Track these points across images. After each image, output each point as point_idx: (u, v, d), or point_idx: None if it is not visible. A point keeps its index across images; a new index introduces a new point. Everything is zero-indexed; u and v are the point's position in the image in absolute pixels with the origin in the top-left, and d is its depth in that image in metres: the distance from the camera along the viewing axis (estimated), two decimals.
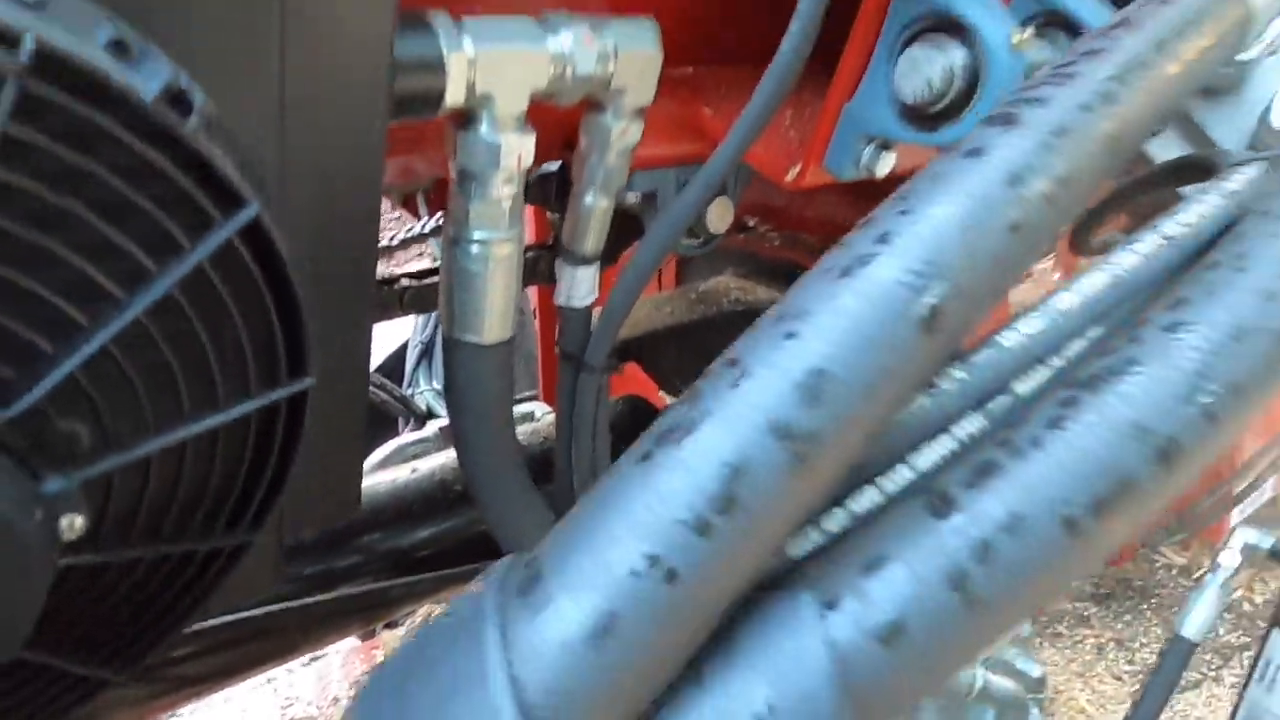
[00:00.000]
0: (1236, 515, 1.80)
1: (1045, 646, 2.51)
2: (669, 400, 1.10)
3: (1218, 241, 0.34)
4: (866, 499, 0.30)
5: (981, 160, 0.30)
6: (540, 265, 0.88)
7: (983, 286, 0.28)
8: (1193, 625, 0.89)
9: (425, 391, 1.88)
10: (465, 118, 0.55)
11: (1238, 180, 0.41)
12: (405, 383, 1.90)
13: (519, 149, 0.56)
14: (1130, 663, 2.41)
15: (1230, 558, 0.89)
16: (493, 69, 0.53)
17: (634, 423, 1.08)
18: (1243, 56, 0.59)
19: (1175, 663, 0.89)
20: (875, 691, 0.25)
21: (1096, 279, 0.35)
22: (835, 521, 0.30)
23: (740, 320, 1.16)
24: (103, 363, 0.37)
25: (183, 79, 0.35)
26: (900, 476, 0.31)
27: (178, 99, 0.34)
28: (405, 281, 0.91)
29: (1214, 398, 0.28)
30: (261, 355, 0.43)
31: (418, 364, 1.94)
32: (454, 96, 0.53)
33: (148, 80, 0.33)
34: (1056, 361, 0.33)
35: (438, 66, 0.51)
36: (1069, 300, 0.34)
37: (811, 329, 0.27)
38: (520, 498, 0.70)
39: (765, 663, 0.25)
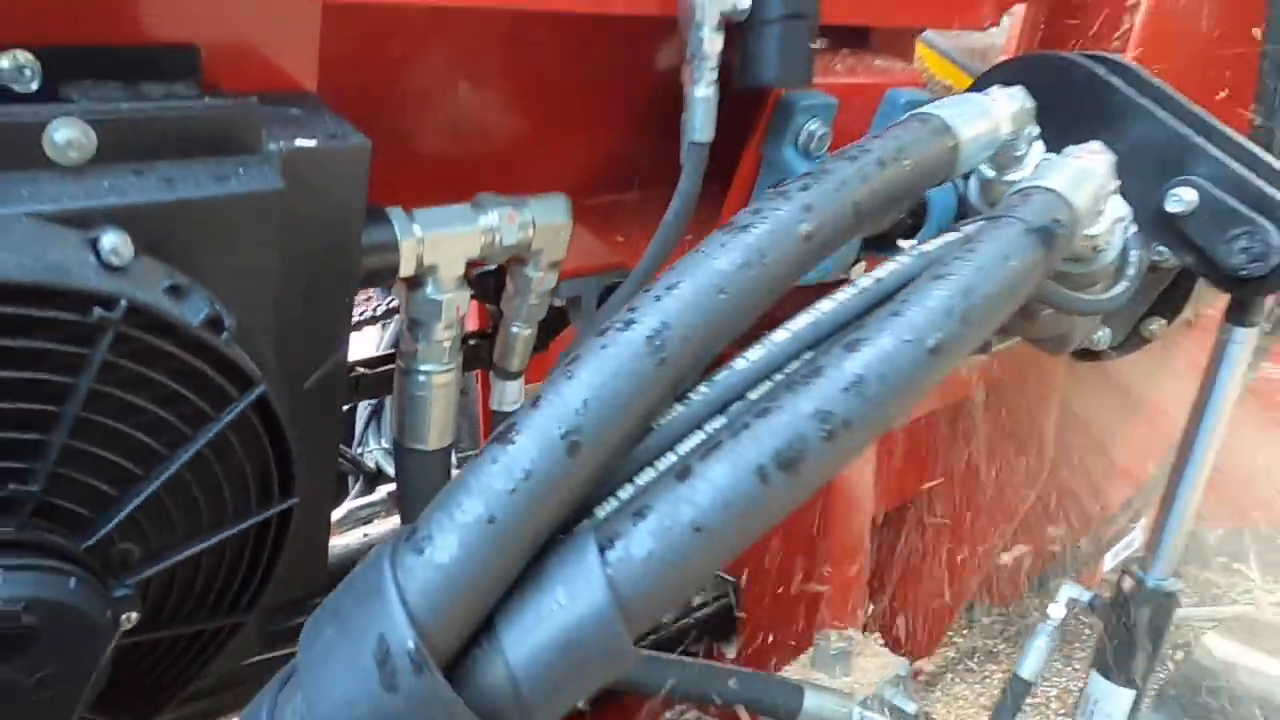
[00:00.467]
0: (1110, 559, 2.00)
1: (956, 682, 2.68)
2: None
3: (897, 293, 0.52)
4: (644, 476, 0.47)
5: (703, 255, 0.48)
6: (481, 352, 1.04)
7: (701, 340, 0.45)
8: (1028, 668, 1.06)
9: (374, 451, 2.00)
10: (415, 282, 0.71)
11: (934, 244, 0.59)
12: (355, 443, 2.02)
13: (457, 302, 0.72)
14: (1033, 697, 2.60)
15: (1057, 610, 1.07)
16: (436, 247, 0.69)
17: None
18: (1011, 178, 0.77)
19: (1014, 700, 1.06)
20: (638, 600, 0.41)
21: (802, 320, 0.53)
22: (625, 492, 0.46)
23: None
24: (151, 502, 0.51)
25: (216, 306, 0.50)
26: (667, 460, 0.47)
27: (214, 322, 0.50)
28: (360, 370, 1.06)
29: (868, 395, 0.45)
30: (260, 483, 0.58)
31: (367, 424, 2.06)
32: (406, 269, 0.68)
33: (194, 314, 0.49)
34: (777, 376, 0.50)
35: (394, 248, 0.67)
36: (782, 336, 0.52)
37: (584, 369, 0.43)
38: None
39: (563, 580, 0.41)
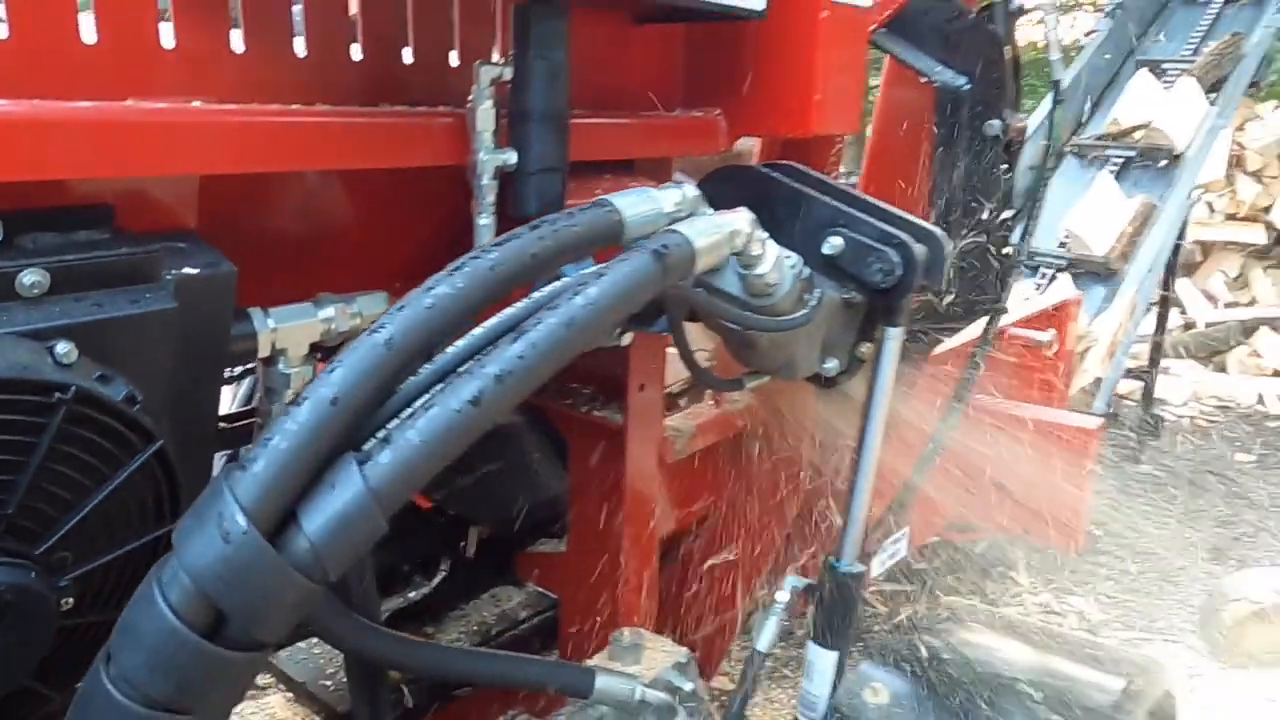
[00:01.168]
0: (877, 565, 2.37)
1: (773, 687, 3.03)
2: None
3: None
4: (393, 424, 0.73)
5: (422, 287, 0.75)
6: None
7: (418, 340, 0.73)
8: (763, 642, 1.37)
9: None
10: (270, 360, 0.96)
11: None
12: None
13: (303, 375, 0.98)
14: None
15: (782, 595, 1.39)
16: (285, 335, 0.95)
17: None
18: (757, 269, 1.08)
19: (755, 668, 1.37)
20: (384, 489, 0.67)
21: (479, 329, 0.80)
22: (382, 432, 0.73)
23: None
24: (82, 522, 0.75)
25: (131, 388, 0.75)
26: (406, 412, 0.73)
27: (130, 398, 0.74)
28: (222, 424, 1.29)
29: (528, 361, 0.74)
30: (157, 509, 0.82)
31: None
32: (263, 352, 0.94)
33: (117, 393, 0.73)
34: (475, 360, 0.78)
35: (254, 338, 0.92)
36: (479, 330, 0.80)
37: (343, 357, 0.70)
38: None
39: (337, 481, 0.67)
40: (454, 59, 1.08)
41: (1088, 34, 5.66)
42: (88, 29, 0.80)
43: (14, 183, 0.74)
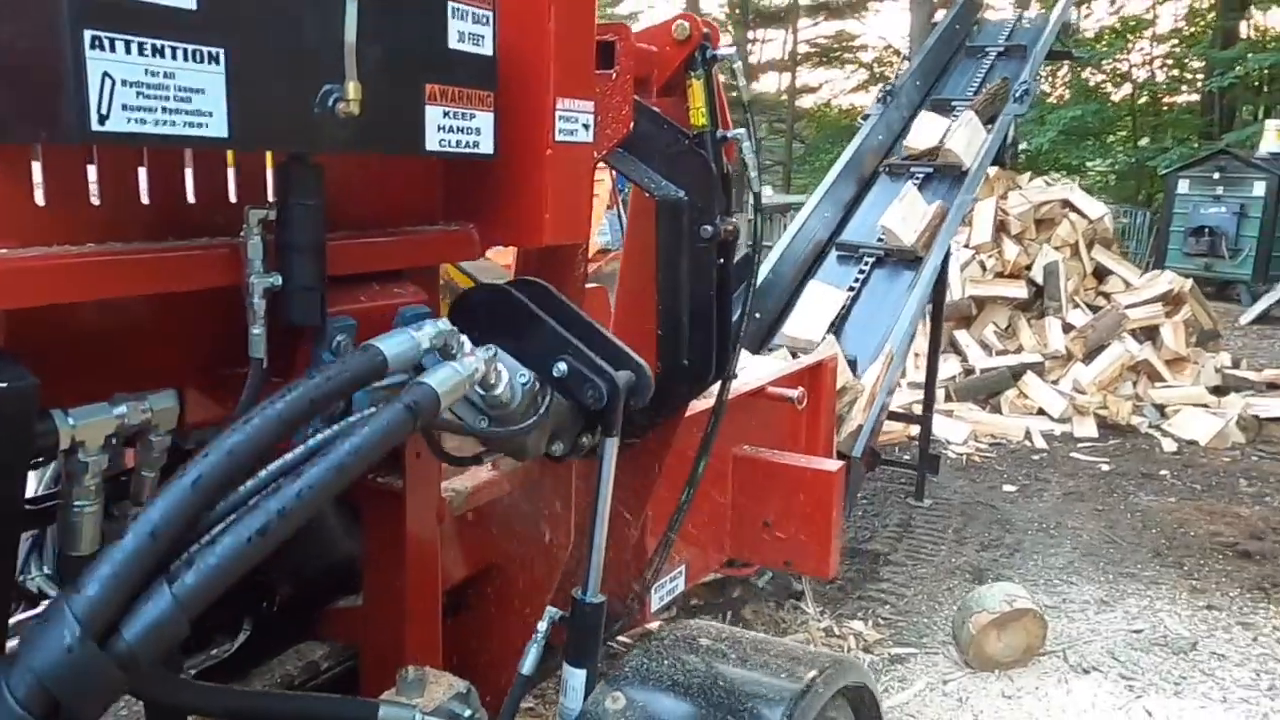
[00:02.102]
0: (656, 600, 2.67)
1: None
2: None
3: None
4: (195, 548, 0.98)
5: (225, 434, 1.00)
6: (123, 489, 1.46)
7: (221, 475, 0.98)
8: (527, 666, 1.63)
9: (36, 577, 2.27)
10: (70, 452, 1.16)
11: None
12: (19, 569, 2.27)
13: (101, 463, 1.18)
14: None
15: (542, 624, 1.65)
16: (84, 431, 1.15)
17: None
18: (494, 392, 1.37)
19: (519, 689, 1.62)
20: (190, 599, 0.94)
21: (265, 470, 1.06)
22: (187, 554, 0.96)
23: None
24: None
25: None
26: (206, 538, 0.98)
27: None
28: (29, 505, 1.45)
29: (304, 497, 0.99)
30: None
31: (29, 552, 2.32)
32: (63, 445, 1.14)
33: None
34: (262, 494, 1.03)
35: (55, 434, 1.12)
36: (265, 470, 1.05)
37: (159, 497, 0.94)
38: None
39: (151, 598, 0.91)
40: (231, 196, 1.33)
41: (863, 116, 6.34)
42: None
43: None
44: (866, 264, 5.05)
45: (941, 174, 5.48)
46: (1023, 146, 21.15)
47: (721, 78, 2.03)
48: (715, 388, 2.14)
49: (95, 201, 1.17)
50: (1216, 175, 14.27)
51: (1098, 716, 3.15)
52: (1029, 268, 8.02)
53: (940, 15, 21.27)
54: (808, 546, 2.77)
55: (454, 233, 1.63)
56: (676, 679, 1.69)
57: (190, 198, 1.28)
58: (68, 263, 1.10)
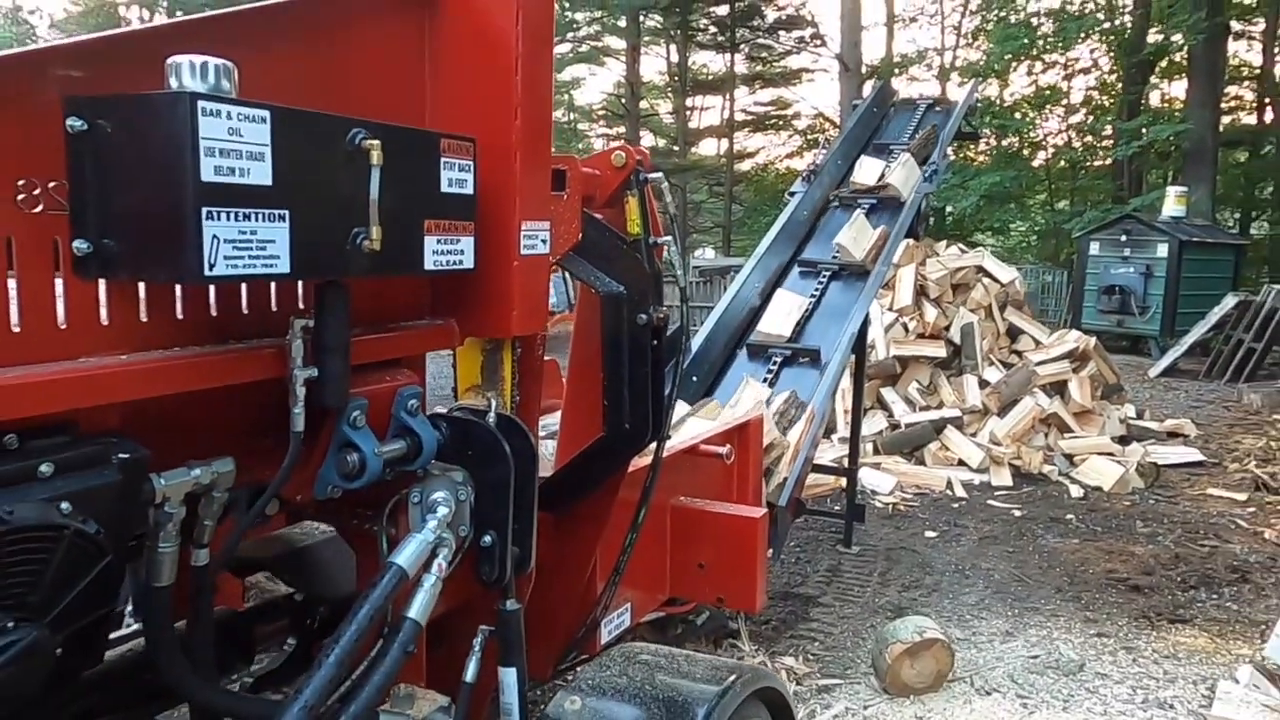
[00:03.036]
0: (605, 634, 3.04)
1: None
2: None
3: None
4: None
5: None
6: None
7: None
8: (469, 673, 2.01)
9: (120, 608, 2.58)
10: (159, 505, 1.53)
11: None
12: None
13: (180, 515, 1.55)
14: None
15: (478, 639, 2.03)
16: (170, 489, 1.52)
17: None
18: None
19: (463, 693, 2.00)
20: None
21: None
22: None
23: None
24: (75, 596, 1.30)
25: (99, 526, 1.32)
26: None
27: (97, 531, 1.31)
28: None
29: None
30: (107, 588, 1.37)
31: None
32: (156, 499, 1.51)
33: (90, 528, 1.30)
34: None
35: (153, 491, 1.50)
36: None
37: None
38: None
39: None
40: (273, 306, 1.73)
41: (790, 192, 6.91)
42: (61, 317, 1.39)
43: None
44: (824, 277, 6.00)
45: (883, 205, 6.46)
46: (948, 210, 22.35)
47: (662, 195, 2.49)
48: (653, 447, 2.56)
49: (179, 315, 1.57)
50: (1124, 238, 15.29)
51: None
52: (947, 328, 8.64)
53: (868, 86, 22.43)
54: (737, 584, 3.18)
55: (440, 327, 2.05)
56: (622, 685, 2.08)
57: (244, 309, 1.68)
58: (165, 364, 1.49)
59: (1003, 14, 23.58)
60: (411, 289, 2.02)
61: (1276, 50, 22.75)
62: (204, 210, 1.33)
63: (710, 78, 31.86)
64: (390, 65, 1.93)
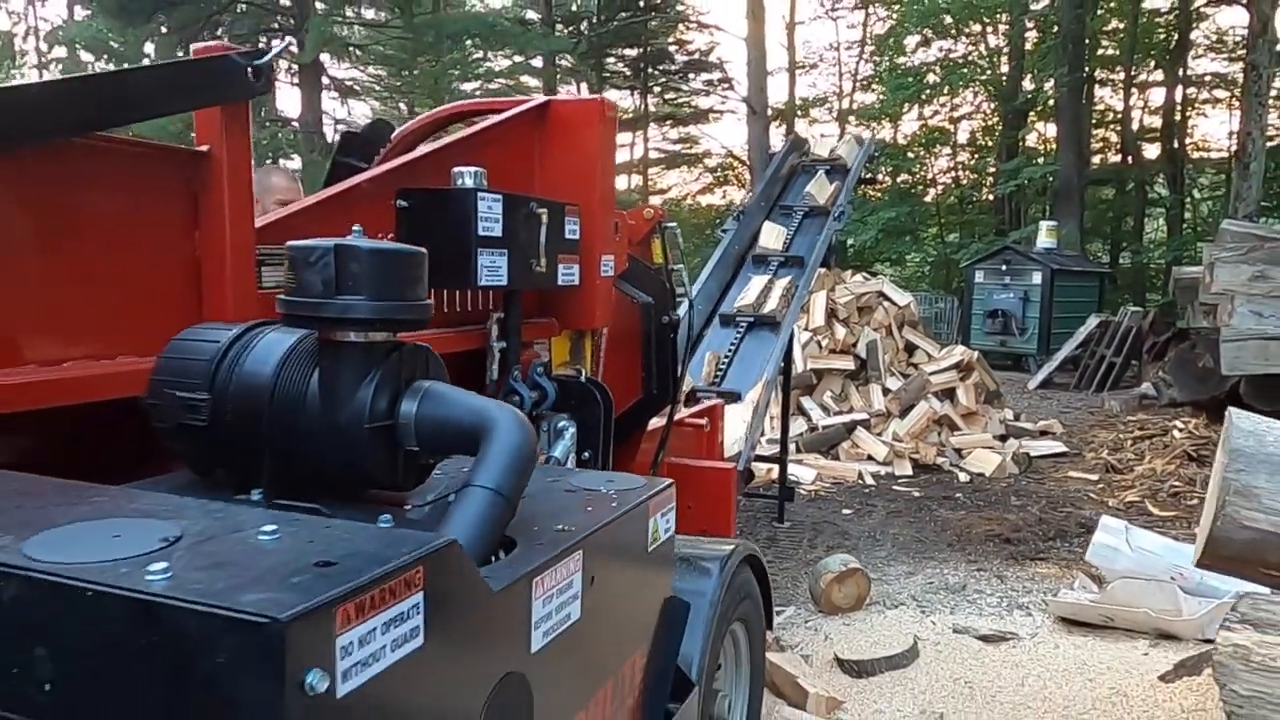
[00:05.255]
0: None
1: None
2: None
3: None
4: None
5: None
6: None
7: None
8: None
9: None
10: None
11: None
12: None
13: None
14: None
15: None
16: None
17: None
18: None
19: None
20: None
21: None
22: None
23: None
24: None
25: None
26: None
27: None
28: None
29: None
30: None
31: None
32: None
33: None
34: None
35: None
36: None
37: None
38: None
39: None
40: (480, 306, 2.86)
41: (723, 229, 8.22)
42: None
43: None
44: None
45: (815, 213, 7.91)
46: (850, 242, 24.22)
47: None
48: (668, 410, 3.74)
49: (445, 310, 2.69)
50: (1004, 267, 17.18)
51: (902, 628, 4.83)
52: (854, 345, 10.06)
53: (773, 129, 24.05)
54: (717, 520, 4.36)
55: (550, 322, 3.20)
56: None
57: (467, 306, 2.80)
58: (450, 335, 2.61)
59: (896, 61, 25.73)
60: (532, 297, 3.17)
61: (1134, 97, 25.46)
62: (477, 249, 2.47)
63: (624, 116, 33.42)
64: (522, 158, 3.10)
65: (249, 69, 1.84)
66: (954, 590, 5.43)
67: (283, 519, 1.11)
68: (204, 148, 1.86)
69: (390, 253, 1.44)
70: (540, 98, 3.21)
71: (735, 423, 5.70)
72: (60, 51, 22.95)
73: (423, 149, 2.80)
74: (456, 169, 2.50)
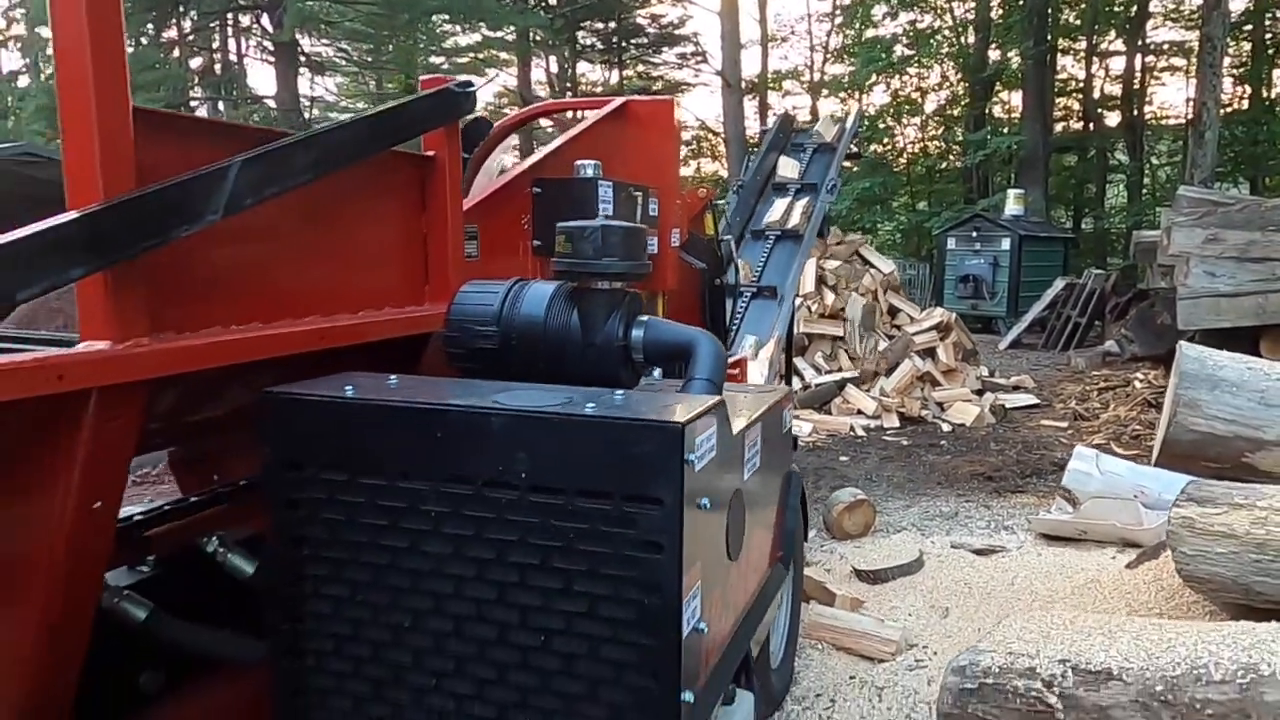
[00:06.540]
0: None
1: None
2: None
3: None
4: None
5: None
6: None
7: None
8: None
9: None
10: None
11: None
12: None
13: None
14: None
15: None
16: None
17: None
18: None
19: None
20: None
21: None
22: None
23: None
24: None
25: None
26: None
27: None
28: None
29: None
30: None
31: None
32: None
33: None
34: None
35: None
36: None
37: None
38: None
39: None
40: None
41: (726, 201, 8.92)
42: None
43: None
44: (770, 240, 8.23)
45: (805, 191, 8.76)
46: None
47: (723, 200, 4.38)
48: None
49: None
50: (974, 234, 18.03)
51: (907, 546, 5.60)
52: (843, 309, 10.81)
53: (747, 102, 24.59)
54: None
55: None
56: None
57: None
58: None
59: (864, 31, 26.38)
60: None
61: (1095, 66, 26.35)
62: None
63: (598, 90, 33.79)
64: (615, 150, 3.76)
65: (462, 96, 2.49)
66: (947, 517, 6.22)
67: (605, 391, 1.83)
68: (430, 153, 2.52)
69: (631, 230, 2.12)
70: (619, 99, 3.87)
71: (754, 375, 6.43)
72: (45, 31, 23.02)
73: (541, 151, 3.45)
74: (579, 161, 3.16)
